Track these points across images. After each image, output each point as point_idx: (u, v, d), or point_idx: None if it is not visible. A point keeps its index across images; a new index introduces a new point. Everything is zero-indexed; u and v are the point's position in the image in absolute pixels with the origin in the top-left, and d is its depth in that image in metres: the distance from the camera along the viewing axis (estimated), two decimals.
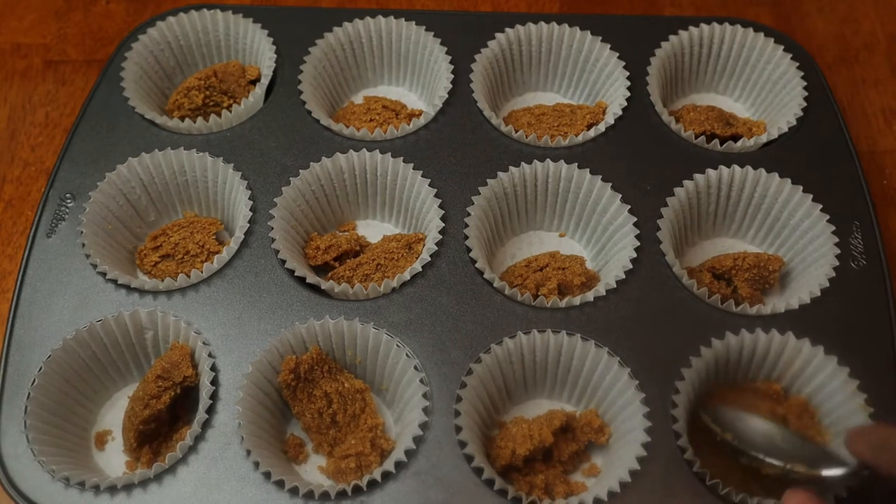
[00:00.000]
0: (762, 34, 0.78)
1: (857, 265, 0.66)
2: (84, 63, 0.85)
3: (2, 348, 0.64)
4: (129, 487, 0.58)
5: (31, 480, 0.59)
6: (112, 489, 0.58)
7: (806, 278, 0.68)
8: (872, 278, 0.65)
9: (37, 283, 0.67)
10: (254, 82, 0.79)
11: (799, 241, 0.69)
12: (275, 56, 0.78)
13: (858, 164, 0.71)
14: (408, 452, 0.59)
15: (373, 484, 0.58)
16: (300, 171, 0.70)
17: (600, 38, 0.77)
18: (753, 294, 0.67)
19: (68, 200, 0.70)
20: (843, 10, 0.89)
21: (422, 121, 0.74)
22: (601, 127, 0.73)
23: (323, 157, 0.71)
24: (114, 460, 0.63)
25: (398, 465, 0.58)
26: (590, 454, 0.63)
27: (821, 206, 0.68)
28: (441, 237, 0.68)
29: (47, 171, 0.78)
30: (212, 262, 0.67)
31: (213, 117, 0.74)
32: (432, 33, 0.78)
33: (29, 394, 0.61)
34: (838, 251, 0.66)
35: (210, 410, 0.61)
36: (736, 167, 0.70)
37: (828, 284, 0.64)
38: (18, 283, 0.67)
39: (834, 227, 0.67)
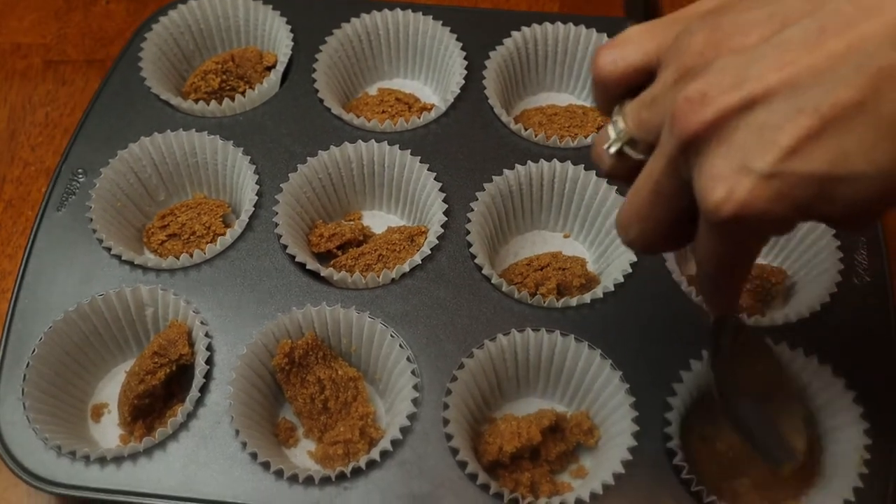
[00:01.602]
0: None
1: (861, 281, 0.65)
2: (84, 63, 0.86)
3: (5, 321, 0.65)
4: (119, 460, 0.59)
5: (25, 447, 0.60)
6: (102, 460, 0.59)
7: (808, 292, 0.67)
8: (875, 294, 0.65)
9: (43, 254, 0.68)
10: (270, 69, 0.79)
11: (804, 254, 0.68)
12: (292, 44, 0.78)
13: None
14: (394, 442, 0.59)
15: (357, 471, 0.58)
16: (308, 158, 0.71)
17: None
18: (754, 305, 0.67)
19: (80, 176, 0.72)
20: None
21: (432, 115, 0.74)
22: None
23: (331, 146, 0.72)
24: (109, 433, 0.64)
25: (383, 454, 0.59)
26: (578, 456, 0.63)
27: None
28: (443, 231, 0.68)
29: (48, 171, 0.79)
30: (216, 244, 0.68)
31: (226, 101, 0.75)
32: (448, 28, 0.78)
33: (28, 363, 0.62)
34: (842, 266, 0.65)
35: (203, 389, 0.62)
36: None
37: (829, 299, 0.64)
38: (26, 253, 0.68)
39: (839, 243, 0.66)
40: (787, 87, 0.35)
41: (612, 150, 0.43)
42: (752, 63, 0.36)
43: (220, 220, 0.72)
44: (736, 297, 0.48)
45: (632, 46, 0.42)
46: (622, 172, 0.43)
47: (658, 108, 0.40)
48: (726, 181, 0.36)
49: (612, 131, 0.43)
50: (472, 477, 0.58)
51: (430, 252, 0.67)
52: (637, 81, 0.42)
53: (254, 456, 0.59)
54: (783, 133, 0.35)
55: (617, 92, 0.43)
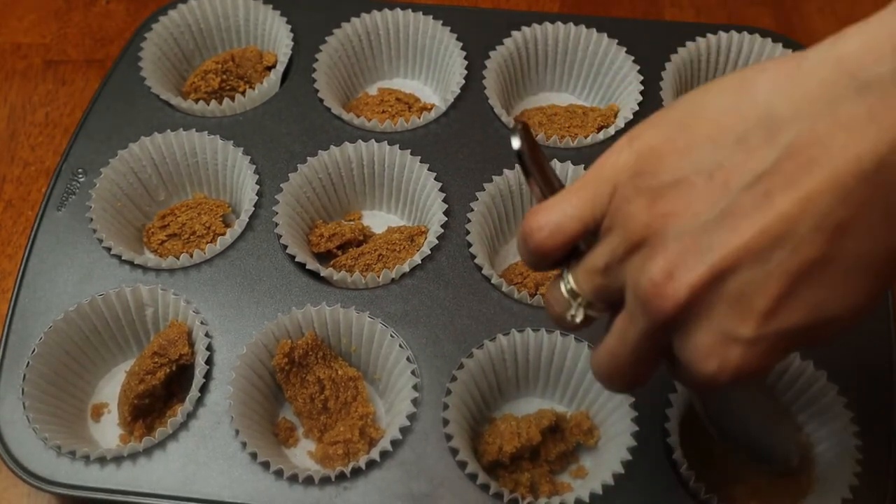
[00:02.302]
0: (780, 44, 0.77)
1: None
2: (84, 63, 0.85)
3: (5, 321, 0.65)
4: (118, 459, 0.59)
5: (25, 447, 0.60)
6: (102, 460, 0.59)
7: None
8: None
9: (44, 254, 0.68)
10: (270, 68, 0.79)
11: None
12: (292, 44, 0.78)
13: None
14: (394, 442, 0.59)
15: (357, 471, 0.58)
16: (308, 158, 0.71)
17: (616, 41, 0.77)
18: None
19: (80, 175, 0.72)
20: (842, 10, 0.88)
21: (432, 115, 0.75)
22: (611, 130, 0.73)
23: (331, 146, 0.72)
24: (108, 433, 0.64)
25: (383, 454, 0.59)
26: (578, 456, 0.63)
27: None
28: (443, 231, 0.68)
29: (47, 171, 0.79)
30: (216, 244, 0.68)
31: (226, 101, 0.75)
32: (448, 28, 0.78)
33: (28, 362, 0.62)
34: None
35: (203, 389, 0.62)
36: None
37: None
38: (26, 253, 0.68)
39: None
40: (749, 254, 0.35)
41: (579, 319, 0.42)
42: (709, 233, 0.36)
43: (220, 219, 0.72)
44: None
45: (566, 216, 0.41)
46: (584, 327, 0.43)
47: (614, 277, 0.39)
48: (716, 354, 0.37)
49: (564, 292, 0.42)
50: (472, 477, 0.58)
51: (430, 252, 0.67)
52: (575, 245, 0.42)
53: (253, 456, 0.59)
54: (758, 299, 0.35)
55: (557, 259, 0.42)
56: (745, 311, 0.36)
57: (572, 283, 0.42)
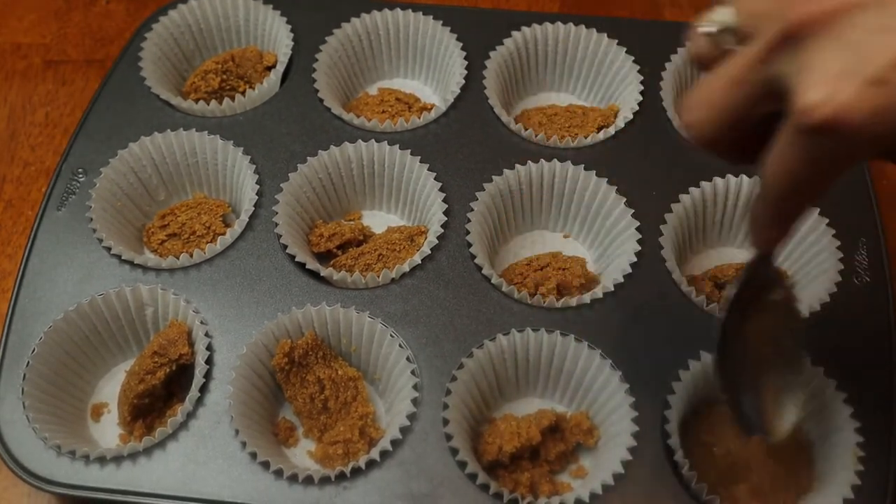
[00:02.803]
0: None
1: (860, 281, 0.65)
2: (84, 63, 0.86)
3: (5, 321, 0.65)
4: (118, 459, 0.59)
5: (25, 447, 0.60)
6: (101, 460, 0.59)
7: (808, 292, 0.67)
8: (874, 295, 0.65)
9: (44, 254, 0.68)
10: (270, 68, 0.79)
11: (804, 255, 0.69)
12: (292, 44, 0.78)
13: (869, 177, 0.70)
14: (394, 442, 0.59)
15: (357, 471, 0.58)
16: (308, 157, 0.71)
17: (616, 41, 0.77)
18: None
19: (80, 175, 0.72)
20: None
21: (432, 115, 0.75)
22: (611, 130, 0.73)
23: (331, 146, 0.72)
24: (108, 432, 0.64)
25: (383, 454, 0.59)
26: (578, 456, 0.63)
27: (827, 221, 0.67)
28: (443, 231, 0.68)
29: (47, 171, 0.79)
30: (216, 244, 0.68)
31: (226, 101, 0.75)
32: (448, 28, 0.78)
33: (28, 362, 0.62)
34: (842, 267, 0.65)
35: (203, 389, 0.62)
36: (744, 177, 0.70)
37: (828, 299, 0.64)
38: (26, 253, 0.68)
39: (839, 243, 0.66)
40: None
41: (704, 29, 0.39)
42: None
43: (220, 219, 0.72)
44: (786, 231, 0.44)
45: None
46: (708, 59, 0.40)
47: None
48: (829, 82, 0.33)
49: (713, 15, 0.40)
50: (472, 477, 0.58)
51: (430, 252, 0.67)
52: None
53: (253, 455, 0.59)
54: None
55: None
56: (883, 45, 0.32)
57: (723, 9, 0.39)
